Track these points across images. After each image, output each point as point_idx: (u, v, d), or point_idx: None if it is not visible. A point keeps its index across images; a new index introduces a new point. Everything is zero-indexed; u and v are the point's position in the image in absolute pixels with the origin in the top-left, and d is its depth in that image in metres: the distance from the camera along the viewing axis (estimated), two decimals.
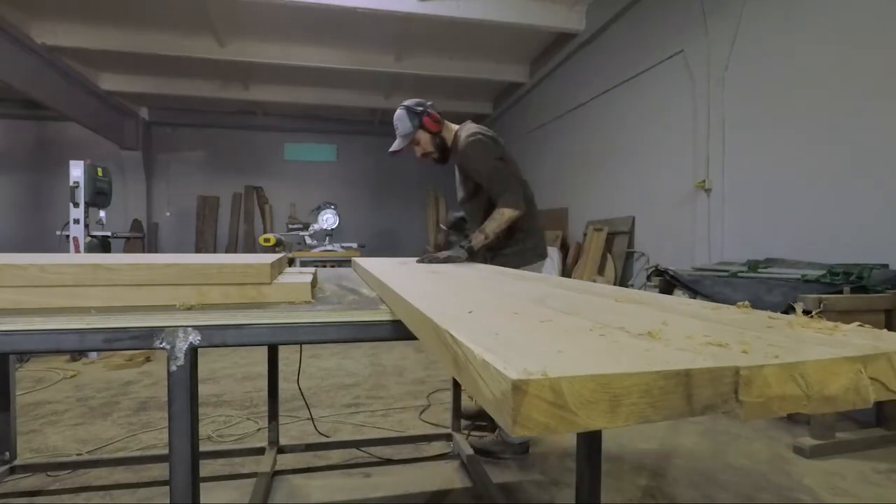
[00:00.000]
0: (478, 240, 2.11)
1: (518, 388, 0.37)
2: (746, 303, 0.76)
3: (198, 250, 9.23)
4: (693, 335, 0.56)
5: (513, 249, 2.23)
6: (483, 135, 2.20)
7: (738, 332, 0.60)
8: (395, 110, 2.30)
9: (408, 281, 1.17)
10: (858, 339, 0.56)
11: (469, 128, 2.26)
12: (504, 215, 2.12)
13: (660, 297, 0.98)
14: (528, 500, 1.94)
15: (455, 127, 2.31)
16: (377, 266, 1.67)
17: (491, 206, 2.19)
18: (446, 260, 1.99)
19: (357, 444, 2.37)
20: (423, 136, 2.24)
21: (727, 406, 0.43)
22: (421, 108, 2.22)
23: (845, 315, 2.37)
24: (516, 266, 2.03)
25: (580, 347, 0.51)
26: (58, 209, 8.11)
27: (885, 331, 0.59)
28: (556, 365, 0.41)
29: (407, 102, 2.27)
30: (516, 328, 0.61)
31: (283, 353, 2.41)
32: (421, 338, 0.73)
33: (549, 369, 0.39)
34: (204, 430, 2.61)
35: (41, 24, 5.66)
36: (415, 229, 10.51)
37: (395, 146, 2.28)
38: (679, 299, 0.94)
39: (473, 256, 2.13)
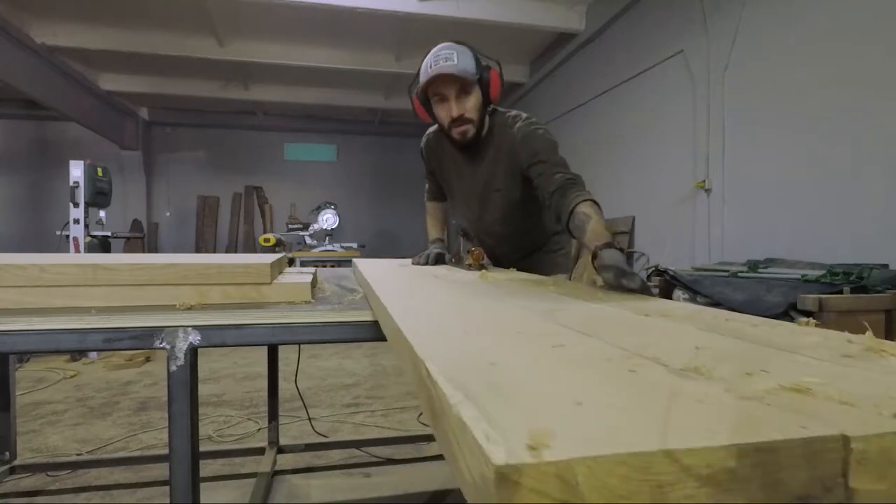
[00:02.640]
0: (606, 236, 1.28)
1: (505, 477, 0.23)
2: (810, 320, 0.62)
3: (198, 250, 9.23)
4: (752, 371, 0.40)
5: (565, 250, 1.81)
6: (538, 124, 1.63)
7: (817, 364, 0.44)
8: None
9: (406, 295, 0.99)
10: None
11: (517, 114, 1.65)
12: (593, 205, 1.43)
13: (678, 305, 0.83)
14: None
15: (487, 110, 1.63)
16: (374, 269, 1.47)
17: (537, 210, 1.65)
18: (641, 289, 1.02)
19: (357, 443, 2.37)
20: (477, 96, 1.53)
21: (831, 497, 0.27)
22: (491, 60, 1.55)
23: (845, 315, 2.37)
24: (564, 270, 1.75)
25: (604, 395, 0.35)
26: (58, 209, 8.10)
27: None
28: (570, 432, 0.27)
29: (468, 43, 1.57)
30: (517, 357, 0.47)
31: (283, 352, 2.41)
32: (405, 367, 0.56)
33: (558, 443, 0.25)
34: (204, 430, 2.61)
35: (41, 24, 5.66)
36: (415, 229, 10.50)
37: (448, 69, 1.46)
38: (703, 308, 0.79)
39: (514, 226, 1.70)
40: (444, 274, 1.40)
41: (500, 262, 1.85)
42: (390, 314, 0.68)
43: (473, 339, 0.55)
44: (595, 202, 1.43)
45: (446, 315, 0.74)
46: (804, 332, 0.58)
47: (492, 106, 1.63)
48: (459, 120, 1.54)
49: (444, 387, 0.35)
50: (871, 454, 0.27)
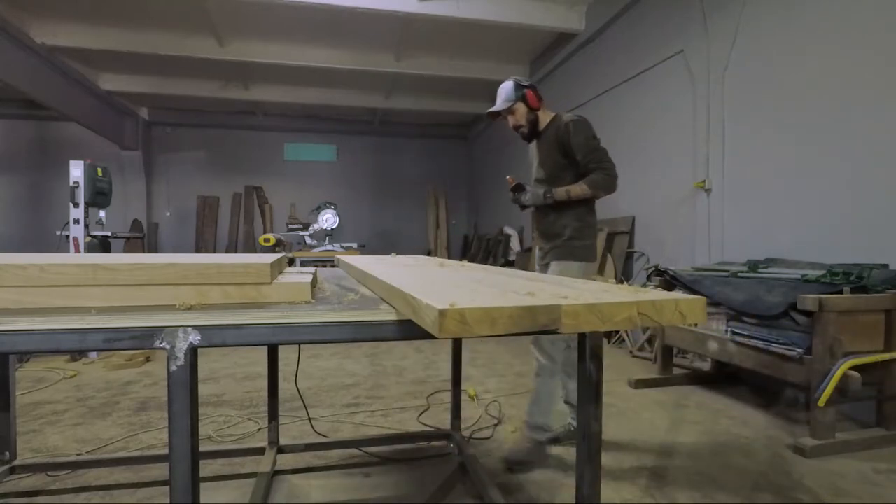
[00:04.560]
0: (559, 193, 2.34)
1: (441, 313, 0.71)
2: (608, 278, 1.00)
3: (198, 250, 9.23)
4: (556, 293, 0.91)
5: (581, 243, 2.37)
6: (586, 120, 2.41)
7: (578, 292, 0.94)
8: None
9: (387, 270, 1.48)
10: (631, 294, 0.93)
11: (570, 115, 2.44)
12: (595, 183, 2.30)
13: (558, 277, 1.43)
14: (528, 500, 1.94)
15: (552, 113, 2.49)
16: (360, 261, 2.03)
17: (568, 177, 2.38)
18: (531, 200, 2.40)
19: (357, 443, 2.37)
20: (521, 109, 2.43)
21: (555, 325, 0.77)
22: (527, 84, 2.43)
23: (845, 315, 2.37)
24: (564, 258, 2.34)
25: (485, 298, 0.84)
26: (58, 209, 8.11)
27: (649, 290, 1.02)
28: (465, 303, 0.74)
29: (516, 77, 2.50)
30: (452, 292, 0.92)
31: (283, 353, 2.41)
32: (394, 304, 1.04)
33: (459, 305, 0.72)
34: (204, 430, 2.61)
35: (41, 24, 5.66)
36: (415, 229, 10.51)
37: (495, 108, 2.48)
38: (570, 280, 1.31)
39: (546, 206, 2.39)
40: (412, 263, 1.93)
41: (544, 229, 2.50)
42: (382, 279, 1.17)
43: (427, 282, 1.10)
44: (595, 178, 2.31)
45: (410, 276, 1.29)
46: (602, 285, 1.10)
47: (553, 113, 2.49)
48: (515, 128, 2.50)
49: (417, 295, 0.83)
50: (569, 311, 0.78)
